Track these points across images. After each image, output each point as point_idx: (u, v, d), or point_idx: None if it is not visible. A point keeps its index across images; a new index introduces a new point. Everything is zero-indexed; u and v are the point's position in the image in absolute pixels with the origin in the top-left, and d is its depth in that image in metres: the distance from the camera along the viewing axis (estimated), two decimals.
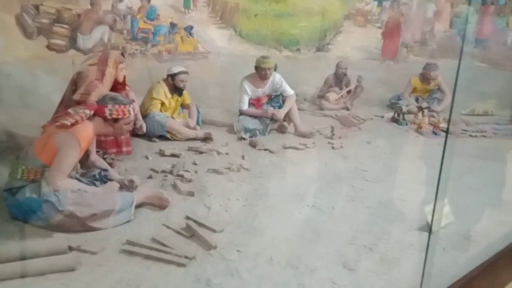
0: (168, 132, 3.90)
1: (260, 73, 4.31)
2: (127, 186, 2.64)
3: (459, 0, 6.92)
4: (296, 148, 3.96)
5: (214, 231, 2.35)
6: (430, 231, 2.03)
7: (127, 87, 3.42)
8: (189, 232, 2.31)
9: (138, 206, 2.53)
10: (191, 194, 2.80)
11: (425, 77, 5.79)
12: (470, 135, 4.79)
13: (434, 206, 1.86)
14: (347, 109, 5.86)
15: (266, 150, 3.86)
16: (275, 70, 4.47)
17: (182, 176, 3.04)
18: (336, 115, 5.32)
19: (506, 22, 6.58)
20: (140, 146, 3.69)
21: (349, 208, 2.82)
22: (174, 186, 2.90)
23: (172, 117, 4.13)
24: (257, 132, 4.29)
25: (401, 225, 2.58)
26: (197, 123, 4.35)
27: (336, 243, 2.34)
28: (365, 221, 2.63)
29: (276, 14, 6.33)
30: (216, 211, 2.63)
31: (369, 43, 6.98)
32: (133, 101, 3.33)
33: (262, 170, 3.38)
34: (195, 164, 3.37)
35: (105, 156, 3.13)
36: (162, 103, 3.99)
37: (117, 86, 3.29)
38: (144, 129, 3.47)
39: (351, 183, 3.21)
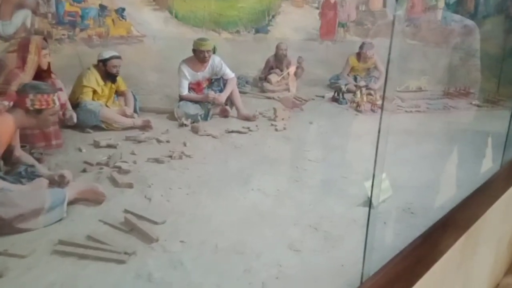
0: (102, 121, 3.68)
1: (199, 55, 4.17)
2: (58, 182, 2.44)
3: None
4: (239, 132, 3.90)
5: (155, 223, 2.24)
6: (370, 206, 2.05)
7: (52, 75, 3.17)
8: (128, 226, 2.18)
9: (71, 202, 2.35)
10: (129, 186, 2.65)
11: (361, 56, 5.92)
12: (406, 111, 4.96)
13: (373, 181, 1.86)
14: (289, 90, 5.87)
15: (208, 135, 3.76)
16: (214, 52, 4.35)
17: (119, 167, 2.87)
18: (278, 97, 5.30)
19: (435, 0, 6.85)
20: (72, 138, 3.45)
21: (293, 189, 2.81)
22: (111, 178, 2.73)
23: (107, 106, 3.90)
24: (199, 117, 4.17)
25: (344, 202, 2.61)
26: (135, 111, 4.14)
27: (281, 225, 2.31)
28: (309, 201, 2.63)
29: None
30: (158, 202, 2.51)
31: (307, 24, 7.00)
32: (60, 89, 3.11)
33: (206, 156, 3.28)
34: (134, 154, 3.20)
35: (32, 151, 2.88)
36: (94, 91, 3.76)
37: (41, 74, 3.04)
38: (75, 120, 3.24)
39: (295, 164, 3.21)
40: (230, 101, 4.43)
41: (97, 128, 3.70)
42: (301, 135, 3.91)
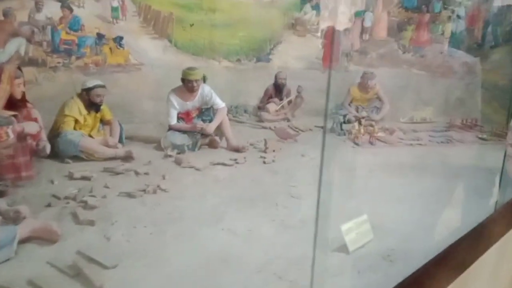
0: (82, 151, 3.57)
1: (187, 85, 4.08)
2: (12, 218, 2.31)
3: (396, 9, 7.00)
4: (225, 164, 3.74)
5: (105, 267, 2.07)
6: (314, 252, 1.85)
7: (28, 105, 3.10)
8: (74, 271, 2.02)
9: (24, 241, 2.22)
10: (91, 223, 2.50)
11: (363, 86, 5.75)
12: (406, 144, 4.74)
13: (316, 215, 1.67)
14: (288, 120, 5.73)
15: (192, 167, 3.61)
16: (204, 81, 4.26)
17: (85, 202, 2.73)
18: (275, 127, 5.15)
19: (442, 30, 6.69)
20: (48, 169, 3.35)
21: (267, 229, 2.61)
22: (74, 214, 2.59)
23: (90, 135, 3.81)
24: (186, 148, 4.05)
25: (320, 247, 2.39)
26: (120, 141, 4.05)
27: (244, 272, 2.12)
28: (281, 244, 2.43)
29: (213, 24, 6.13)
30: (116, 242, 2.35)
31: (309, 53, 6.90)
32: (35, 119, 3.03)
33: (183, 191, 3.13)
34: (107, 187, 3.07)
35: None
36: (76, 121, 3.67)
37: (15, 103, 2.97)
38: (48, 151, 3.14)
39: (276, 201, 3.02)
40: (220, 131, 4.30)
41: (77, 158, 3.60)
42: (289, 168, 3.73)
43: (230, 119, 5.48)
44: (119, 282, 1.98)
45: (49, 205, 2.72)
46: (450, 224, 2.72)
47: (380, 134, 5.00)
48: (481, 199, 2.96)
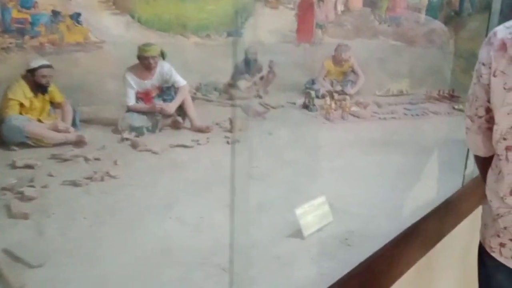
0: (29, 137, 3.32)
1: (143, 62, 3.82)
2: None
3: None
4: (185, 146, 3.52)
5: (30, 266, 1.87)
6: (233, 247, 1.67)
7: None
8: None
9: None
10: (24, 216, 2.29)
11: (337, 59, 5.52)
12: (380, 118, 4.55)
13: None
14: (260, 97, 5.50)
15: (148, 151, 3.39)
16: (163, 58, 3.99)
17: (22, 193, 2.51)
18: (242, 105, 4.92)
19: None
20: None
21: (220, 216, 2.41)
22: (8, 207, 2.37)
23: (40, 120, 3.55)
24: (145, 130, 3.81)
25: (273, 233, 2.22)
26: (74, 124, 3.79)
27: (186, 265, 1.93)
28: (231, 231, 2.24)
29: None
30: (50, 236, 2.15)
31: (283, 26, 6.62)
32: None
33: (135, 177, 2.91)
34: (51, 175, 2.84)
35: None
36: (22, 104, 3.40)
37: None
38: None
39: (235, 184, 2.82)
40: (182, 111, 4.06)
41: (25, 145, 3.35)
42: (255, 148, 3.52)
43: (198, 98, 5.27)
44: (42, 283, 1.78)
45: None
46: (418, 201, 2.55)
47: (354, 108, 4.81)
48: (452, 173, 2.80)
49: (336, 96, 5.04)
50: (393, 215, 2.44)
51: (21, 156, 3.13)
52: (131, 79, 3.85)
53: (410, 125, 4.31)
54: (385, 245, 1.98)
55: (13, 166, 2.96)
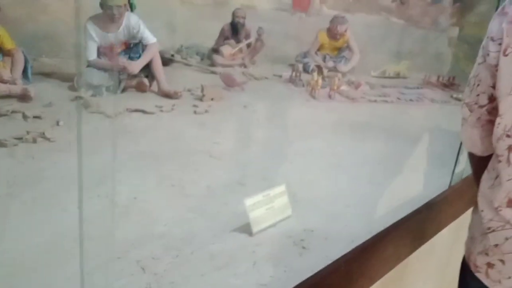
0: None
1: (106, 12, 3.36)
2: None
3: None
4: (144, 112, 3.11)
5: None
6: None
7: None
8: None
9: None
10: None
11: (332, 32, 5.07)
12: (370, 100, 4.14)
13: None
14: (245, 66, 5.06)
15: (101, 113, 2.97)
16: (131, 9, 3.53)
17: None
18: (220, 73, 4.48)
19: None
20: None
21: (160, 197, 2.04)
22: None
23: None
24: (104, 89, 3.38)
25: (216, 225, 1.84)
26: (25, 76, 3.36)
27: (97, 259, 1.55)
28: (168, 219, 1.86)
29: None
30: None
31: None
32: None
33: (72, 142, 2.49)
34: None
35: None
36: None
37: None
38: None
39: (188, 160, 2.44)
40: (150, 72, 3.63)
41: None
42: (222, 121, 3.13)
43: (177, 61, 4.81)
44: None
45: None
46: (396, 200, 2.19)
47: (343, 87, 4.39)
48: (440, 170, 2.43)
49: (325, 72, 4.61)
50: (364, 214, 2.08)
51: None
52: (93, 30, 3.40)
53: (402, 110, 3.91)
54: (348, 253, 1.62)
55: None
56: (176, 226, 1.81)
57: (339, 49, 5.23)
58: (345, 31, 5.01)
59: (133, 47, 3.60)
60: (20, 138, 2.39)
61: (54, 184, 2.03)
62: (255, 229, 1.80)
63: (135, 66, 3.44)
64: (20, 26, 4.47)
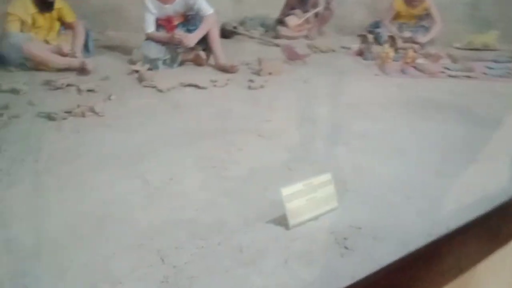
0: (28, 59, 2.98)
1: None
2: None
3: None
4: (197, 87, 3.00)
5: None
6: None
7: None
8: None
9: None
10: None
11: None
12: (450, 76, 3.66)
13: None
14: (311, 37, 4.76)
15: (153, 87, 2.92)
16: None
17: None
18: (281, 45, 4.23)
19: None
20: None
21: (197, 179, 1.91)
22: None
23: (46, 40, 3.19)
24: (160, 63, 3.33)
25: (250, 214, 1.68)
26: (87, 50, 3.41)
27: (118, 243, 1.47)
28: (202, 203, 1.73)
29: None
30: None
31: None
32: None
33: (122, 117, 2.47)
34: (32, 104, 2.49)
35: None
36: (23, 21, 3.03)
37: None
38: None
39: (235, 139, 2.28)
40: (208, 45, 3.50)
41: (24, 67, 3.02)
42: (277, 97, 2.92)
43: (239, 33, 4.65)
44: None
45: None
46: (467, 196, 1.86)
47: (420, 61, 3.94)
48: None
49: (400, 43, 4.17)
50: (426, 211, 1.78)
51: (12, 78, 2.80)
52: (151, 2, 3.32)
53: (487, 88, 3.39)
54: (399, 260, 1.37)
55: None
56: (207, 212, 1.68)
57: (418, 18, 4.71)
58: None
59: (190, 19, 3.49)
60: (69, 112, 2.40)
61: (93, 160, 1.99)
62: (292, 222, 1.60)
63: (191, 39, 3.33)
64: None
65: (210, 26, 3.41)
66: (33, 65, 2.99)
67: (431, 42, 4.57)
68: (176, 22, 3.47)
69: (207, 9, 3.39)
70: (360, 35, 4.29)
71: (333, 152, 2.20)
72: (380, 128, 2.50)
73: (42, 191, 1.73)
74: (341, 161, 2.12)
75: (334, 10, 4.82)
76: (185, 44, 3.31)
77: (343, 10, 5.28)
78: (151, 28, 3.40)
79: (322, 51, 4.28)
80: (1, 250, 1.40)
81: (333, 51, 4.33)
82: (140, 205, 1.69)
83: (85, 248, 1.43)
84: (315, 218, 1.67)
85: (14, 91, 2.61)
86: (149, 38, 3.40)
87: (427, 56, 4.13)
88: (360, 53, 4.16)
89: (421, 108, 2.86)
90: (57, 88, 2.74)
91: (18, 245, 1.42)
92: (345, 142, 2.31)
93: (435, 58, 4.04)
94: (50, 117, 2.33)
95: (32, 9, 3.06)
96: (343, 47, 4.46)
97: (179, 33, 3.32)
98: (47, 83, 2.79)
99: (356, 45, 4.32)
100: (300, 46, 4.28)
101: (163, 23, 3.45)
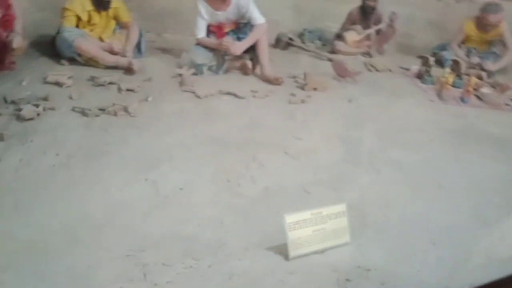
0: (80, 55, 3.10)
1: None
2: None
3: None
4: (236, 96, 2.94)
5: None
6: None
7: None
8: None
9: None
10: (0, 137, 2.02)
11: (482, 22, 4.20)
12: None
13: None
14: (369, 55, 4.55)
15: (192, 92, 2.91)
16: None
17: (19, 110, 2.25)
18: (332, 60, 4.05)
19: None
20: (34, 68, 2.95)
21: (208, 192, 1.84)
22: None
23: (101, 38, 3.30)
24: (205, 68, 3.32)
25: (251, 237, 1.57)
26: (139, 50, 3.48)
27: (106, 252, 1.42)
28: (202, 219, 1.65)
29: None
30: (6, 165, 1.84)
31: None
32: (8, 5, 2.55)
33: (153, 119, 2.46)
34: (70, 98, 2.56)
35: None
36: (80, 18, 3.16)
37: None
38: (14, 45, 2.69)
39: (258, 154, 2.19)
40: (256, 55, 3.44)
41: (75, 61, 3.14)
42: (315, 114, 2.78)
43: (294, 45, 4.55)
44: None
45: None
46: (499, 249, 1.63)
47: (484, 90, 3.61)
48: None
49: (464, 68, 3.85)
50: (452, 260, 1.57)
51: (60, 71, 2.91)
52: (203, 7, 3.32)
53: None
54: None
55: (44, 80, 2.75)
56: (208, 229, 1.60)
57: (489, 43, 4.34)
58: (499, 22, 4.10)
59: (242, 27, 3.44)
60: (103, 109, 2.43)
61: (112, 160, 1.99)
62: (293, 253, 1.48)
63: (238, 47, 3.28)
64: (150, 1, 4.70)
65: (259, 36, 3.34)
66: (84, 60, 3.11)
67: (501, 71, 4.19)
68: (227, 29, 3.44)
69: (259, 18, 3.33)
70: (421, 56, 4.02)
71: (360, 180, 2.04)
72: (420, 159, 2.28)
73: (52, 186, 1.74)
74: (367, 191, 1.95)
75: (398, 29, 4.56)
76: (231, 52, 3.27)
77: (409, 29, 5.00)
78: (201, 33, 3.40)
79: (377, 70, 4.06)
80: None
81: (390, 71, 4.09)
82: (144, 213, 1.65)
83: (74, 252, 1.41)
84: (321, 251, 1.53)
85: (58, 84, 2.71)
86: (199, 43, 3.41)
87: (494, 85, 3.78)
88: (419, 76, 3.89)
89: (473, 141, 2.59)
90: (100, 85, 2.81)
91: (10, 238, 1.42)
92: (376, 170, 2.14)
93: (502, 88, 3.68)
94: (83, 112, 2.38)
95: (89, 6, 3.17)
96: (402, 68, 4.20)
97: (227, 40, 3.29)
98: (92, 79, 2.87)
99: (416, 66, 4.05)
100: (355, 63, 4.10)
101: (214, 29, 3.44)
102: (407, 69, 4.15)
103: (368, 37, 4.63)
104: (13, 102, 2.39)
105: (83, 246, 1.44)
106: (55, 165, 1.89)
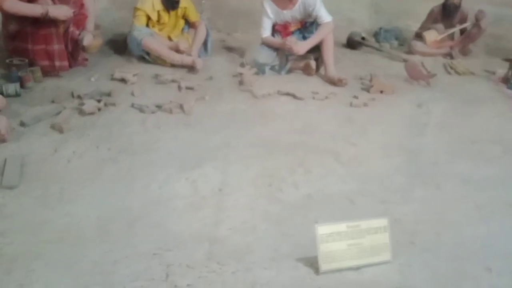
0: (148, 53, 3.22)
1: None
2: None
3: None
4: (294, 97, 2.86)
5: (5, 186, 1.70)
6: None
7: None
8: None
9: None
10: (60, 130, 2.15)
11: None
12: None
13: None
14: (451, 56, 4.19)
15: (249, 92, 2.88)
16: None
17: (81, 106, 2.38)
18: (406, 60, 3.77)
19: None
20: (104, 65, 3.12)
21: (247, 195, 1.79)
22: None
23: (169, 37, 3.41)
24: (267, 68, 3.28)
25: (282, 248, 1.49)
26: (205, 49, 3.54)
27: (134, 248, 1.44)
28: (235, 223, 1.61)
29: None
30: (60, 156, 1.95)
31: None
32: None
33: (206, 118, 2.47)
34: (132, 95, 2.66)
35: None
36: (150, 17, 3.28)
37: None
38: (84, 43, 2.84)
39: (307, 158, 2.09)
40: (320, 55, 3.33)
41: (144, 59, 3.27)
42: (376, 119, 2.60)
43: (367, 45, 4.33)
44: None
45: (52, 101, 2.47)
46: None
47: None
48: None
49: None
50: None
51: (128, 68, 3.04)
52: (269, 6, 3.28)
53: None
54: None
55: (111, 77, 2.89)
56: (239, 234, 1.56)
57: None
58: None
59: (308, 26, 3.35)
60: (160, 107, 2.50)
61: (160, 157, 2.02)
62: (324, 266, 1.38)
63: (301, 47, 3.19)
64: (225, 0, 4.76)
65: (324, 35, 3.22)
66: (153, 59, 3.23)
67: None
68: (292, 29, 3.36)
69: (326, 17, 3.21)
70: (508, 59, 3.61)
71: (414, 194, 1.86)
72: (490, 175, 2.03)
73: (98, 179, 1.81)
74: (420, 207, 1.78)
75: (485, 29, 4.14)
76: (294, 51, 3.19)
77: (500, 29, 4.52)
78: (267, 32, 3.36)
79: (458, 73, 3.72)
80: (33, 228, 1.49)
81: (472, 74, 3.72)
82: (179, 213, 1.65)
83: (104, 246, 1.44)
84: (356, 268, 1.41)
85: (123, 80, 2.83)
86: (263, 42, 3.38)
87: None
88: (505, 81, 3.50)
89: None
90: (161, 83, 2.89)
91: (47, 227, 1.49)
92: (436, 184, 1.94)
93: None
94: (141, 109, 2.46)
95: (159, 6, 3.28)
96: (487, 71, 3.80)
97: (290, 39, 3.22)
98: (156, 76, 2.97)
99: (502, 70, 3.64)
100: (433, 65, 3.80)
101: (279, 28, 3.38)
102: (493, 73, 3.75)
103: (451, 37, 4.28)
104: (78, 96, 2.54)
105: (113, 240, 1.47)
106: (105, 159, 1.96)
